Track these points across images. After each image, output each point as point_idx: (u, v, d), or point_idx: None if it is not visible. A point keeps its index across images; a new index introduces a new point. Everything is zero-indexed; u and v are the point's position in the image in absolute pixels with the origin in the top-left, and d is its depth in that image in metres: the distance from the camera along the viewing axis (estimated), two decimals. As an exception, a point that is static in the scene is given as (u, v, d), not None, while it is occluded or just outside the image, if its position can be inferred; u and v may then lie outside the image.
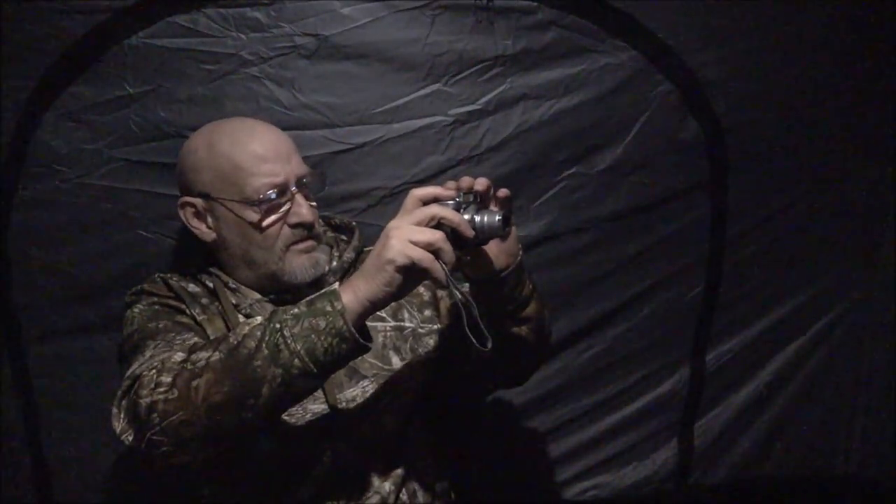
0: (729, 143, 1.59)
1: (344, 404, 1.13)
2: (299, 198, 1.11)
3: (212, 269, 1.19)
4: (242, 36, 1.36)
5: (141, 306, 1.12)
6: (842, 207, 1.74)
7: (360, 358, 1.00)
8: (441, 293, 1.25)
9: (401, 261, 0.87)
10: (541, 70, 1.48)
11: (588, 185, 1.55)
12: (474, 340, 0.93)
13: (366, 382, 1.15)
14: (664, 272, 1.66)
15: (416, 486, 1.17)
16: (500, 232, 0.95)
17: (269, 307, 1.12)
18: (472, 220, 0.94)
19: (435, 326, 1.23)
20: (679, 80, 1.52)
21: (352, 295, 0.90)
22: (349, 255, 1.22)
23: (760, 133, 1.61)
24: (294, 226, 1.12)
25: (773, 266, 1.73)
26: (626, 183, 1.57)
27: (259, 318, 0.94)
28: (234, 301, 1.15)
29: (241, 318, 1.12)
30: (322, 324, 0.89)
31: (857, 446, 1.86)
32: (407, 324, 1.21)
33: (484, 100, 1.46)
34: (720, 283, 1.69)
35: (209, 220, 1.15)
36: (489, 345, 0.93)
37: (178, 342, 1.02)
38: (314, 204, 1.16)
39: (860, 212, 1.76)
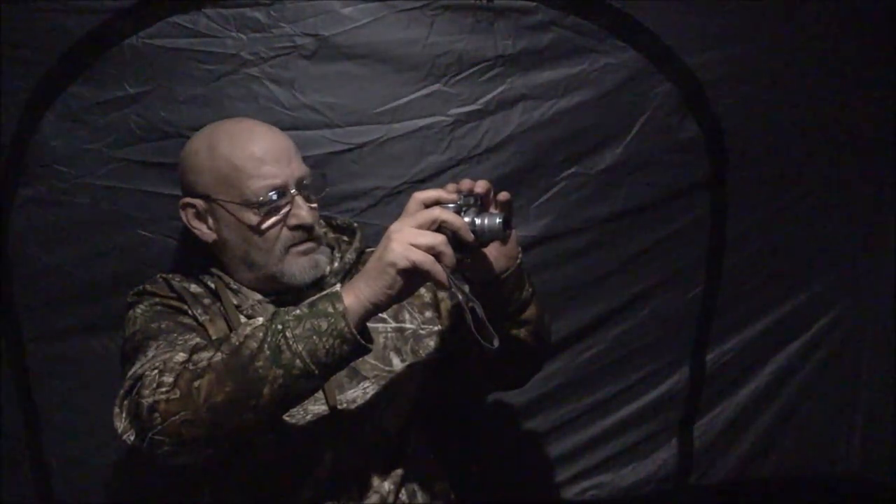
0: (729, 143, 1.59)
1: (344, 405, 1.13)
2: (299, 200, 1.11)
3: (213, 270, 1.19)
4: (242, 36, 1.35)
5: (143, 307, 1.12)
6: (842, 207, 1.74)
7: (360, 359, 1.00)
8: (442, 295, 1.25)
9: (402, 263, 0.88)
10: (541, 70, 1.47)
11: (588, 185, 1.55)
12: (480, 339, 0.93)
13: (366, 383, 1.15)
14: (664, 272, 1.66)
15: (415, 486, 1.18)
16: (501, 235, 0.95)
17: (271, 308, 1.12)
18: (472, 223, 0.94)
19: (436, 328, 1.23)
20: (679, 80, 1.52)
21: (353, 297, 0.91)
22: (350, 256, 1.22)
23: (760, 133, 1.61)
24: (294, 228, 1.12)
25: (773, 266, 1.73)
26: (626, 183, 1.57)
27: (261, 319, 0.94)
28: (235, 302, 1.15)
29: (243, 319, 1.12)
30: (324, 325, 0.89)
31: (857, 446, 1.86)
32: (408, 325, 1.21)
33: (484, 100, 1.46)
34: (720, 283, 1.70)
35: (210, 221, 1.15)
36: (496, 343, 0.93)
37: (179, 342, 1.02)
38: (314, 206, 1.16)
39: (860, 212, 1.76)
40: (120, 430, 0.96)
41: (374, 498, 1.12)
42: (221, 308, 1.15)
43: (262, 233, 1.11)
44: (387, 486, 1.14)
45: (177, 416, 0.89)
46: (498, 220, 0.94)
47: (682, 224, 1.63)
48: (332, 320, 0.89)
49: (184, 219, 1.17)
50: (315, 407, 1.11)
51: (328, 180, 1.22)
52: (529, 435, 1.67)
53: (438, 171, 1.47)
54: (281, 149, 1.12)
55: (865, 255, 1.79)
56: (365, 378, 1.15)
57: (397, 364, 1.18)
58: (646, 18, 1.46)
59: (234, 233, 1.13)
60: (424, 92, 1.43)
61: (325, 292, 0.93)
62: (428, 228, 0.90)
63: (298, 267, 1.13)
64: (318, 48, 1.38)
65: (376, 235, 0.94)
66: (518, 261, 1.06)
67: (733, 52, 1.52)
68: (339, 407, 1.12)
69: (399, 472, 1.16)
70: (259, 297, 1.16)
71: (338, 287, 0.93)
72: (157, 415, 0.90)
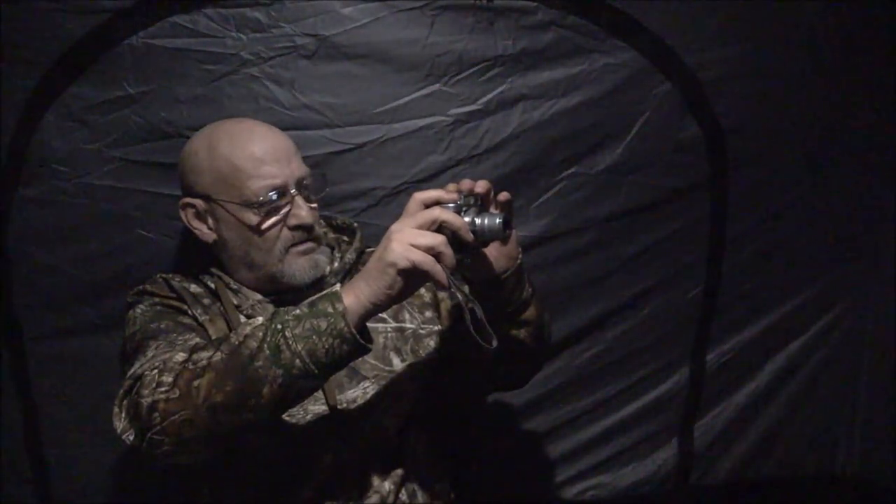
0: (729, 143, 1.59)
1: (344, 405, 1.13)
2: (299, 200, 1.11)
3: (213, 270, 1.19)
4: (242, 36, 1.35)
5: (143, 307, 1.12)
6: (842, 207, 1.74)
7: (360, 359, 1.00)
8: (442, 295, 1.25)
9: (402, 264, 0.88)
10: (541, 70, 1.48)
11: (588, 185, 1.55)
12: (479, 339, 0.93)
13: (366, 383, 1.15)
14: (664, 272, 1.66)
15: (415, 486, 1.17)
16: (501, 235, 0.95)
17: (271, 308, 1.13)
18: (472, 223, 0.94)
19: (436, 328, 1.23)
20: (679, 80, 1.52)
21: (353, 297, 0.91)
22: (350, 256, 1.22)
23: (760, 133, 1.61)
24: (293, 228, 1.12)
25: (773, 266, 1.73)
26: (626, 183, 1.57)
27: (261, 319, 0.94)
28: (235, 302, 1.15)
29: (243, 319, 1.12)
30: (323, 325, 0.89)
31: (857, 446, 1.86)
32: (408, 325, 1.21)
33: (484, 100, 1.46)
34: (720, 283, 1.69)
35: (210, 221, 1.15)
36: (494, 343, 0.93)
37: (179, 342, 1.02)
38: (314, 206, 1.16)
39: (860, 212, 1.76)
40: (119, 430, 0.96)
41: (374, 498, 1.12)
42: (221, 308, 1.15)
43: (262, 233, 1.11)
44: (387, 486, 1.14)
45: (176, 416, 0.89)
46: (498, 221, 0.94)
47: (682, 224, 1.63)
48: (332, 320, 0.89)
49: (184, 219, 1.17)
50: (315, 407, 1.11)
51: (328, 180, 1.22)
52: (529, 435, 1.67)
53: (438, 171, 1.47)
54: (281, 149, 1.12)
55: (865, 255, 1.79)
56: (365, 378, 1.15)
57: (397, 364, 1.18)
58: (646, 18, 1.46)
59: (233, 233, 1.13)
60: (424, 92, 1.43)
61: (324, 292, 0.93)
62: (428, 229, 0.90)
63: (298, 267, 1.13)
64: (318, 48, 1.38)
65: (376, 235, 0.94)
66: (518, 261, 1.06)
67: (733, 52, 1.53)
68: (339, 407, 1.12)
69: (399, 472, 1.16)
70: (259, 297, 1.16)
71: (337, 287, 0.93)
72: (156, 414, 0.90)
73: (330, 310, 0.90)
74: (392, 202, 1.45)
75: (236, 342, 0.91)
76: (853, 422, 1.86)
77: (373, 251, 0.93)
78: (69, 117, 1.34)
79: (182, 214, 1.17)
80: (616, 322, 1.66)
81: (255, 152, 1.10)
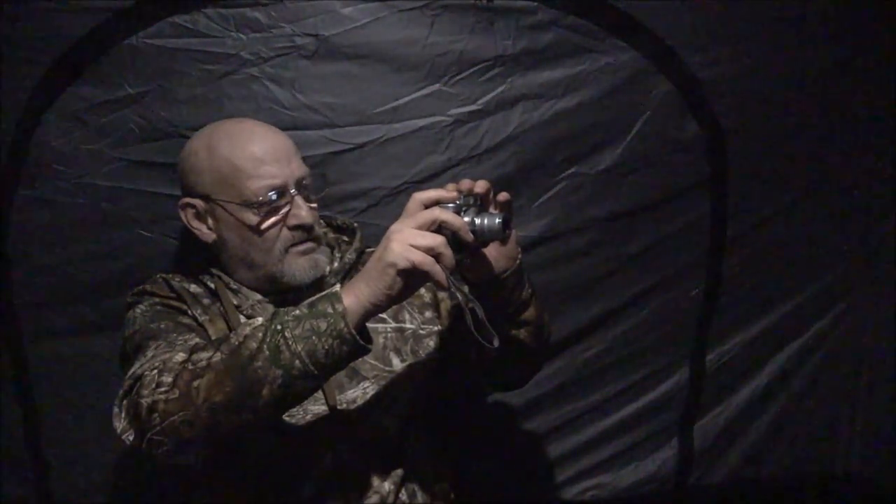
0: (729, 143, 1.59)
1: (344, 405, 1.13)
2: (299, 200, 1.12)
3: (213, 270, 1.19)
4: (242, 36, 1.36)
5: (143, 307, 1.12)
6: (842, 207, 1.73)
7: (360, 359, 1.00)
8: (442, 295, 1.25)
9: (402, 264, 0.88)
10: (541, 70, 1.48)
11: (588, 185, 1.55)
12: (480, 339, 0.93)
13: (366, 384, 1.15)
14: (664, 272, 1.65)
15: (415, 486, 1.18)
16: (501, 235, 0.95)
17: (271, 308, 1.13)
18: (472, 223, 0.94)
19: (436, 328, 1.23)
20: (679, 80, 1.52)
21: (353, 297, 0.91)
22: (350, 256, 1.22)
23: (760, 133, 1.61)
24: (293, 228, 1.12)
25: (773, 266, 1.73)
26: (626, 183, 1.57)
27: (260, 319, 0.94)
28: (235, 302, 1.15)
29: (243, 319, 1.12)
30: (323, 325, 0.89)
31: (857, 446, 1.86)
32: (408, 325, 1.21)
33: (484, 100, 1.46)
34: (720, 283, 1.69)
35: (209, 221, 1.15)
36: (496, 342, 0.93)
37: (179, 342, 1.02)
38: (314, 206, 1.16)
39: (860, 212, 1.76)
40: (119, 430, 0.96)
41: (374, 498, 1.12)
42: (221, 308, 1.15)
43: (261, 233, 1.11)
44: (387, 486, 1.14)
45: (176, 416, 0.89)
46: (497, 221, 0.95)
47: (682, 224, 1.63)
48: (332, 321, 0.89)
49: (183, 219, 1.17)
50: (315, 407, 1.11)
51: (328, 180, 1.22)
52: (529, 435, 1.67)
53: (438, 171, 1.47)
54: (281, 149, 1.12)
55: (865, 255, 1.79)
56: (365, 378, 1.15)
57: (397, 364, 1.18)
58: (646, 18, 1.46)
59: (233, 233, 1.13)
60: (424, 92, 1.43)
61: (324, 293, 0.94)
62: (428, 229, 0.90)
63: (298, 267, 1.13)
64: (318, 48, 1.38)
65: (376, 235, 0.94)
66: (518, 261, 1.06)
67: (733, 51, 1.52)
68: (339, 407, 1.13)
69: (399, 472, 1.16)
70: (259, 297, 1.16)
71: (337, 287, 0.93)
72: (156, 415, 0.90)
73: (330, 310, 0.90)
74: (392, 202, 1.45)
75: (236, 343, 0.91)
76: (853, 422, 1.86)
77: (373, 251, 0.93)
78: (69, 117, 1.34)
79: (182, 214, 1.17)
80: (616, 322, 1.66)
81: (255, 152, 1.10)
